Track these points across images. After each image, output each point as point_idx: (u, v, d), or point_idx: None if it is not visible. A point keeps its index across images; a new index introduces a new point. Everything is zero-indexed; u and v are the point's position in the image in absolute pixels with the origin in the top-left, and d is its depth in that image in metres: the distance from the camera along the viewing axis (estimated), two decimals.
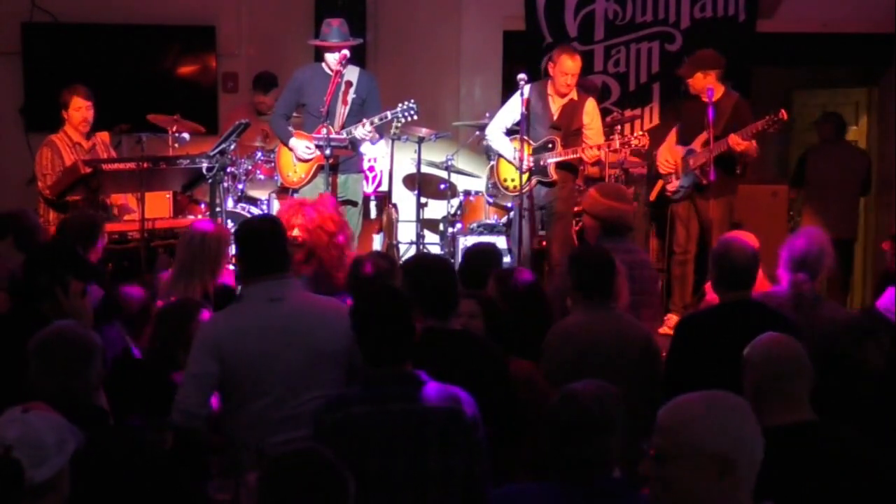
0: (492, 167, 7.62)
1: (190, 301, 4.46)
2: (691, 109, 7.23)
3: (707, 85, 7.03)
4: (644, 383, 4.09)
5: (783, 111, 6.91)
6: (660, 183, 7.47)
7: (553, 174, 7.00)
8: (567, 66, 6.92)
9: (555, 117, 7.03)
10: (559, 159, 7.00)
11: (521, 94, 6.82)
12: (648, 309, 5.05)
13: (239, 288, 4.19)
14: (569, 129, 7.04)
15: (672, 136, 7.47)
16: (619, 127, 8.27)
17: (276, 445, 3.43)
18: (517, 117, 7.03)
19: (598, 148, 7.02)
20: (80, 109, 7.00)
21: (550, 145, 6.97)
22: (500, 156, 7.29)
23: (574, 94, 7.07)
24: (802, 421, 3.05)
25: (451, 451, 3.12)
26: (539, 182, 6.94)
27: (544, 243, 7.34)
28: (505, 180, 7.30)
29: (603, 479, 2.73)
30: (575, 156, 7.01)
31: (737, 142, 6.88)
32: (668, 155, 7.35)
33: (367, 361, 3.27)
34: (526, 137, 6.96)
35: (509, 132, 7.24)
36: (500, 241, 7.61)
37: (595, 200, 5.37)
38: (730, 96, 7.23)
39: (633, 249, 5.32)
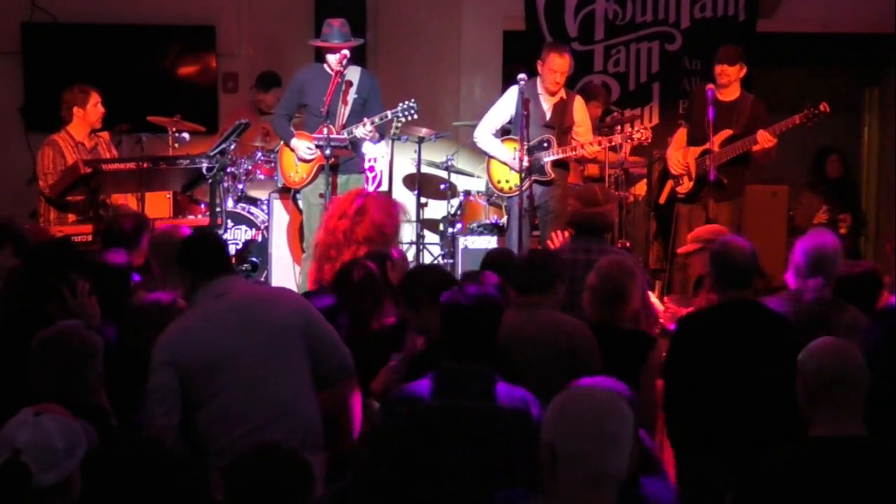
0: (484, 169, 7.59)
1: (165, 295, 4.44)
2: (705, 109, 7.12)
3: (734, 79, 7.02)
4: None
5: (825, 104, 6.78)
6: (670, 184, 7.37)
7: (551, 172, 7.00)
8: (556, 63, 6.91)
9: (548, 116, 7.02)
10: (560, 157, 6.99)
11: (521, 94, 6.79)
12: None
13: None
14: (561, 128, 7.04)
15: (681, 136, 7.37)
16: (619, 127, 8.24)
17: (246, 435, 3.49)
18: (507, 118, 7.07)
19: (599, 143, 7.04)
20: (97, 105, 6.98)
21: (546, 144, 6.95)
22: (491, 157, 7.24)
23: (563, 93, 7.07)
24: (851, 435, 2.91)
25: (518, 451, 3.17)
26: (536, 181, 6.92)
27: (540, 245, 7.30)
28: (499, 182, 7.24)
29: None
30: (575, 153, 7.01)
31: (767, 138, 6.81)
32: (680, 155, 7.24)
33: (450, 354, 3.31)
34: (516, 137, 6.96)
35: (499, 133, 7.23)
36: (493, 242, 7.68)
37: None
38: (746, 96, 7.18)
39: (596, 249, 5.03)
